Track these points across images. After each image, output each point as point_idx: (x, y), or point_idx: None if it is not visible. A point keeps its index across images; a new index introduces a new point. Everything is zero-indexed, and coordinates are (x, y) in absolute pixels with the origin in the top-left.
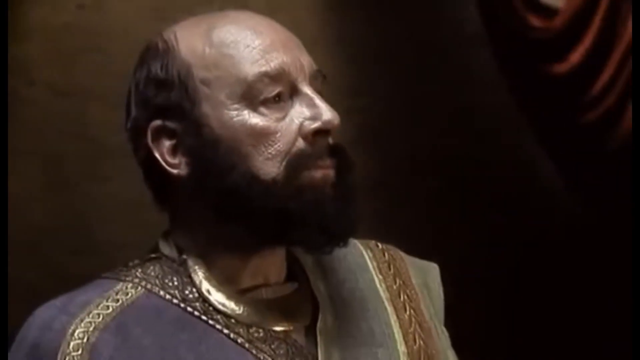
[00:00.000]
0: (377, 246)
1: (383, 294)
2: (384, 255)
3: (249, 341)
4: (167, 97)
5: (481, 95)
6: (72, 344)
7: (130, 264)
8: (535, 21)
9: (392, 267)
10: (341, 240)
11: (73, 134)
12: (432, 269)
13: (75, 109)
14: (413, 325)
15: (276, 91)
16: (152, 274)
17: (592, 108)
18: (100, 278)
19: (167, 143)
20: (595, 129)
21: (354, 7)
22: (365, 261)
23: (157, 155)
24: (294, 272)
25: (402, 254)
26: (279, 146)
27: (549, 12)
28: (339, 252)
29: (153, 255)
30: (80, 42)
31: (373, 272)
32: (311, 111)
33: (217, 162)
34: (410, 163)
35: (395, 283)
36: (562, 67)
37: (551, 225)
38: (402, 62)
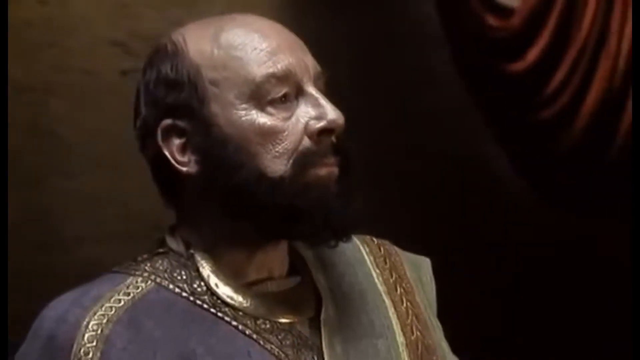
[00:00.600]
0: (373, 241)
1: (380, 287)
2: (379, 250)
3: (257, 332)
4: (177, 97)
5: (440, 93)
6: (86, 335)
7: (139, 258)
8: (492, 21)
9: (387, 261)
10: (345, 234)
11: (34, 130)
12: (424, 263)
13: (37, 104)
14: (410, 317)
15: (283, 92)
16: (161, 268)
17: (547, 106)
18: (110, 272)
19: (176, 142)
20: (550, 127)
21: (312, 7)
22: (363, 256)
23: (166, 153)
24: (296, 265)
25: (396, 248)
26: (286, 144)
27: (506, 12)
28: (338, 247)
29: (161, 250)
30: (42, 37)
31: (370, 266)
32: (316, 111)
33: (226, 160)
34: (367, 161)
35: (392, 277)
36: (518, 66)
37: (509, 222)
38: (361, 61)
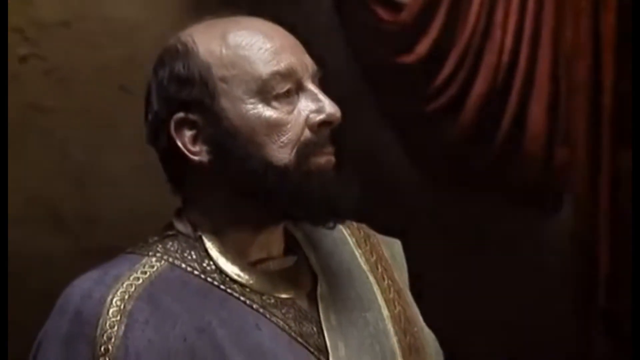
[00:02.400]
0: (352, 224)
1: (364, 266)
2: (359, 232)
3: (263, 307)
4: (189, 93)
5: (335, 84)
6: (111, 310)
7: (150, 240)
8: (384, 14)
9: (367, 242)
10: (344, 216)
11: None
12: (396, 244)
13: None
14: (392, 292)
15: (286, 87)
16: (172, 248)
17: (436, 98)
18: (125, 253)
19: (188, 133)
20: (439, 118)
21: (211, 4)
22: (345, 237)
23: (179, 144)
24: (290, 245)
25: (372, 231)
26: (290, 135)
27: (396, 6)
28: (323, 229)
29: (170, 233)
30: None
31: (353, 247)
32: (316, 105)
33: (236, 150)
34: None
35: (372, 256)
36: (409, 58)
37: (402, 211)
38: None
